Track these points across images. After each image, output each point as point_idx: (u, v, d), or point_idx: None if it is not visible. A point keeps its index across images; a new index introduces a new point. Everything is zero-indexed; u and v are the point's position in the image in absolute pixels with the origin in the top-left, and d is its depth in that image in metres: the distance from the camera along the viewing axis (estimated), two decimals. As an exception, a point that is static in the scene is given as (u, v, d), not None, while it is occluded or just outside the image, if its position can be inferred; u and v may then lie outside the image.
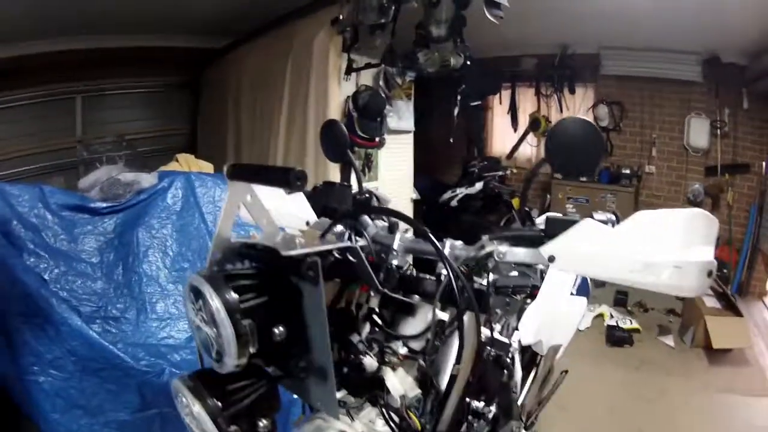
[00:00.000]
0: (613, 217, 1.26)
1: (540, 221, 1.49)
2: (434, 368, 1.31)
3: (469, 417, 1.54)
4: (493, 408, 1.49)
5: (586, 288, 2.69)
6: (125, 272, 2.99)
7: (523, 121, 8.14)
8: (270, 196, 1.50)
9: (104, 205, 3.09)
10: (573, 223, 1.14)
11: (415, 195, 5.87)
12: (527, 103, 8.20)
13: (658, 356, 4.92)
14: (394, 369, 1.29)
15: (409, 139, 5.66)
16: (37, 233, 2.83)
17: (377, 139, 4.83)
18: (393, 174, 5.36)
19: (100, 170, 3.52)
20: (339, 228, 1.32)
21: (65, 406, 2.53)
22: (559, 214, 1.26)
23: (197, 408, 1.02)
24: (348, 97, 4.68)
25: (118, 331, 2.79)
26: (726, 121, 6.91)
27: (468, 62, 4.22)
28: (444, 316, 1.31)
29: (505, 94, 8.07)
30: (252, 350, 1.00)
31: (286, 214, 1.46)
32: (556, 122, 1.29)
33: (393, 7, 3.90)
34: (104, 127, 6.56)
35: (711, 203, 6.89)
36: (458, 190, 6.17)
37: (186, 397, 1.05)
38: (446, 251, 1.27)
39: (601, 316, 5.46)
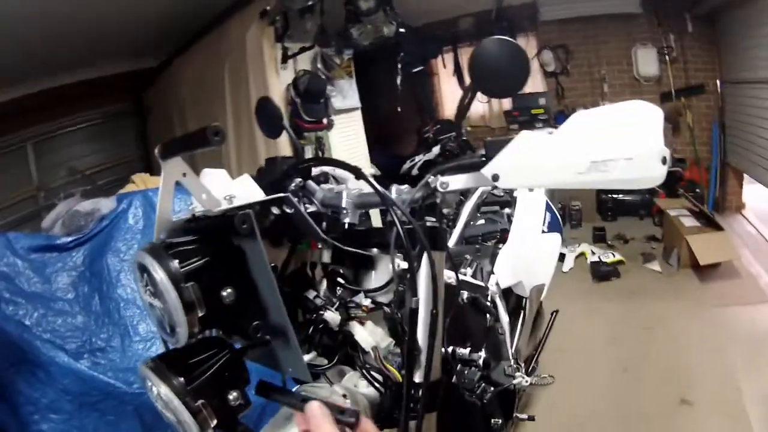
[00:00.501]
0: (552, 130, 1.22)
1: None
2: (403, 315, 1.25)
3: (458, 366, 1.51)
4: (482, 353, 1.46)
5: (557, 225, 2.69)
6: (102, 301, 2.95)
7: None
8: (217, 183, 1.46)
9: (69, 239, 3.04)
10: (510, 140, 1.10)
11: (374, 171, 5.84)
12: (471, 61, 8.18)
13: (648, 283, 4.95)
14: (362, 323, 1.26)
15: (358, 116, 5.62)
16: (10, 281, 2.78)
17: (324, 121, 4.83)
18: (347, 153, 5.30)
19: (59, 206, 3.45)
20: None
21: None
22: (499, 137, 1.22)
23: (163, 389, 0.98)
24: (288, 85, 4.65)
25: (107, 361, 2.75)
26: (673, 46, 7.01)
27: (401, 29, 4.22)
28: (404, 264, 1.24)
29: (449, 57, 8.06)
30: (200, 313, 0.95)
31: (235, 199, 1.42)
32: (477, 45, 1.25)
33: None
34: (60, 168, 6.42)
35: (671, 128, 6.96)
36: (417, 158, 6.14)
37: (151, 379, 1.00)
38: (392, 196, 1.23)
39: (582, 255, 5.50)
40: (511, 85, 1.27)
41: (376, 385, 1.23)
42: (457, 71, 8.11)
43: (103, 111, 7.04)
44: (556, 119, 7.07)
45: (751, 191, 6.90)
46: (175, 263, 0.94)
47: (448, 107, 8.55)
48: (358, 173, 1.24)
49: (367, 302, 1.27)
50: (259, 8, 4.41)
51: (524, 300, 2.30)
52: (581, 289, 4.89)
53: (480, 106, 8.11)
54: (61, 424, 2.49)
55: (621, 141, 1.00)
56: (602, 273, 5.08)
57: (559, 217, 2.77)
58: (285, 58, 4.58)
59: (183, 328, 0.94)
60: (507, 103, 7.84)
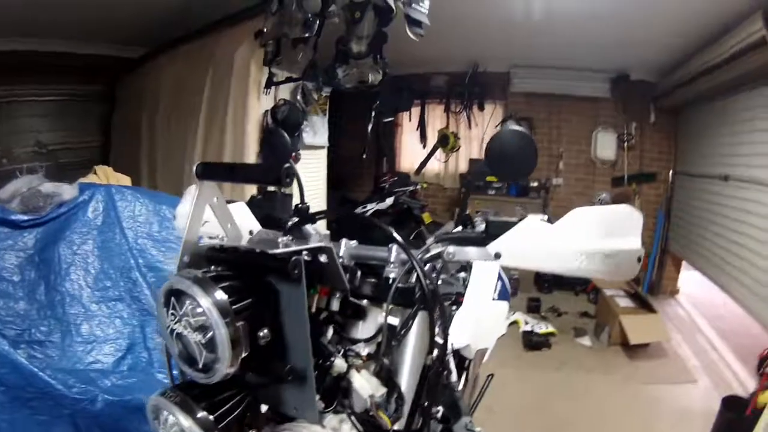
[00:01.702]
0: (546, 217, 1.36)
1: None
2: (394, 367, 1.32)
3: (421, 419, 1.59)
4: (440, 408, 1.54)
5: (506, 294, 2.79)
6: (48, 292, 2.84)
7: (432, 138, 8.31)
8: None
9: (25, 218, 2.93)
10: (512, 223, 1.22)
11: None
12: (436, 119, 8.39)
13: (577, 356, 5.11)
14: (358, 371, 1.29)
15: (323, 154, 5.70)
16: None
17: (294, 154, 4.82)
18: (307, 189, 5.26)
19: (19, 180, 3.31)
20: (285, 238, 1.27)
21: None
22: (498, 218, 1.32)
23: (188, 423, 1.00)
24: (267, 111, 4.64)
25: (44, 356, 2.62)
26: (633, 134, 7.38)
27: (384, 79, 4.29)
28: (394, 320, 1.32)
29: (415, 111, 8.21)
30: (244, 354, 0.99)
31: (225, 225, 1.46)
32: (495, 133, 1.36)
33: (318, 22, 3.89)
34: (19, 136, 6.28)
35: None
36: (369, 206, 6.22)
37: (174, 413, 1.01)
38: (392, 256, 1.32)
39: (515, 323, 5.59)
40: (520, 171, 1.40)
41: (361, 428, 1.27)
42: (421, 126, 8.30)
43: (73, 89, 6.90)
44: (509, 189, 7.32)
45: (688, 277, 7.30)
46: (226, 298, 0.96)
47: (405, 159, 8.71)
48: (394, 239, 1.30)
49: (365, 352, 1.32)
50: (255, 27, 4.37)
51: (467, 361, 2.39)
52: (512, 355, 4.99)
53: (436, 164, 8.36)
54: (-9, 413, 2.32)
55: (608, 239, 1.16)
56: (534, 343, 5.20)
57: (508, 286, 2.89)
58: (269, 84, 4.56)
59: (224, 365, 0.96)
60: (463, 166, 8.16)
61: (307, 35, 3.94)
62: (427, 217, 6.30)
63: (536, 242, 1.20)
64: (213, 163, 1.14)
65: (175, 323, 1.01)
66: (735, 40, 4.62)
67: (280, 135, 1.42)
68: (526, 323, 5.59)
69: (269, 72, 4.53)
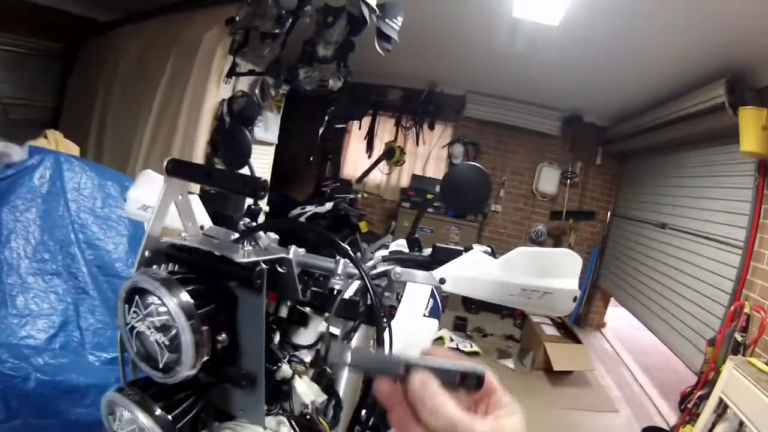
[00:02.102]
0: (490, 250, 1.45)
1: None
2: (334, 376, 1.40)
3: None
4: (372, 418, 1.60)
5: (437, 312, 2.87)
6: None
7: (378, 148, 8.39)
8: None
9: None
10: (458, 252, 1.29)
11: (265, 208, 5.87)
12: (385, 131, 8.48)
13: (499, 377, 5.08)
14: (300, 376, 1.34)
15: (271, 151, 5.66)
16: None
17: None
18: None
19: None
20: (247, 245, 1.26)
21: None
22: (445, 245, 1.38)
23: (149, 423, 1.00)
24: (223, 100, 4.59)
25: None
26: (577, 173, 7.67)
27: (344, 86, 4.31)
28: (335, 329, 1.38)
29: (365, 120, 8.27)
30: (206, 357, 1.01)
31: (174, 215, 1.47)
32: (452, 167, 1.43)
33: (290, 20, 3.89)
34: None
35: (553, 244, 7.61)
36: (308, 208, 6.22)
37: (133, 411, 1.01)
38: (339, 268, 1.34)
39: (441, 339, 5.68)
40: (473, 204, 1.46)
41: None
42: (370, 136, 8.37)
43: (32, 43, 6.66)
44: (447, 210, 7.36)
45: (615, 314, 7.69)
46: (191, 302, 0.98)
47: (349, 166, 8.76)
48: (350, 257, 1.32)
49: (308, 358, 1.38)
50: (227, 13, 4.32)
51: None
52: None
53: (378, 175, 8.44)
54: None
55: (548, 278, 1.24)
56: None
57: (440, 305, 2.97)
58: (231, 73, 4.53)
59: (186, 367, 0.98)
60: (405, 181, 8.27)
61: (277, 31, 3.93)
62: (363, 226, 6.35)
63: (480, 273, 1.25)
64: (185, 162, 1.14)
65: (137, 321, 1.01)
66: (691, 102, 4.90)
67: (242, 132, 1.41)
68: (452, 340, 5.72)
69: (233, 61, 4.50)
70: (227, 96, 4.62)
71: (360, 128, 8.42)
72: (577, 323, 7.50)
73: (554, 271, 1.27)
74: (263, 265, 1.08)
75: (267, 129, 5.34)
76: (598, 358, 6.13)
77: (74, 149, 3.77)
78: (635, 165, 7.37)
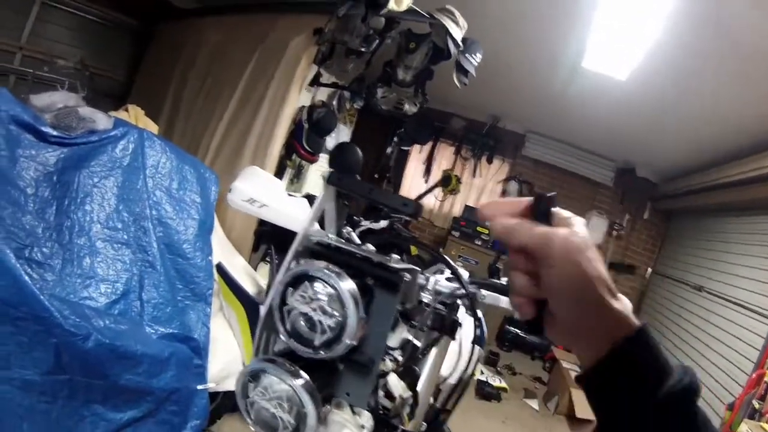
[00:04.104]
0: None
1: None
2: (416, 376, 1.53)
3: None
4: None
5: (483, 341, 3.00)
6: (58, 214, 2.75)
7: (436, 174, 8.46)
8: (276, 193, 1.67)
9: (54, 133, 2.82)
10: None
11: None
12: (444, 158, 8.53)
13: (523, 415, 5.29)
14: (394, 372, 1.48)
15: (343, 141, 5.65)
16: None
17: (316, 156, 4.90)
18: (314, 191, 5.23)
19: (57, 93, 3.22)
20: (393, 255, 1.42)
21: None
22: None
23: (300, 390, 1.15)
24: (303, 107, 4.67)
25: (40, 278, 2.51)
26: (624, 225, 7.65)
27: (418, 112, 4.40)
28: (410, 336, 1.51)
29: (427, 145, 8.33)
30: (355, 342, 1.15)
31: (288, 215, 1.61)
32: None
33: (377, 40, 3.96)
34: (49, 44, 6.23)
35: None
36: (363, 222, 6.32)
37: (285, 379, 1.16)
38: (430, 285, 1.49)
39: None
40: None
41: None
42: (428, 161, 8.46)
43: (114, 17, 6.95)
44: (494, 243, 7.46)
45: None
46: (357, 293, 1.15)
47: (405, 187, 8.84)
48: (457, 276, 1.48)
49: (400, 358, 1.49)
50: (314, 23, 4.38)
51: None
52: (463, 399, 5.13)
53: (432, 200, 8.53)
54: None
55: None
56: (485, 393, 5.38)
57: (485, 335, 3.09)
58: (314, 82, 4.60)
59: (343, 346, 1.14)
60: (457, 210, 8.34)
61: (363, 49, 3.98)
62: (413, 250, 6.45)
63: None
64: (348, 175, 1.29)
65: (302, 303, 1.16)
66: (741, 169, 4.94)
67: (354, 149, 1.51)
68: (482, 373, 5.76)
69: (318, 72, 4.55)
70: (307, 103, 4.72)
71: (420, 151, 8.49)
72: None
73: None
74: (407, 275, 1.24)
75: (338, 140, 5.41)
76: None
77: (153, 127, 3.91)
78: (680, 224, 7.38)
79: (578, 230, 0.69)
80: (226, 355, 3.14)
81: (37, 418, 2.32)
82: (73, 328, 2.31)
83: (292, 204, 1.63)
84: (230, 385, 3.11)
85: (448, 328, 1.47)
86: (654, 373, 0.65)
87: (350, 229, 1.63)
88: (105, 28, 6.93)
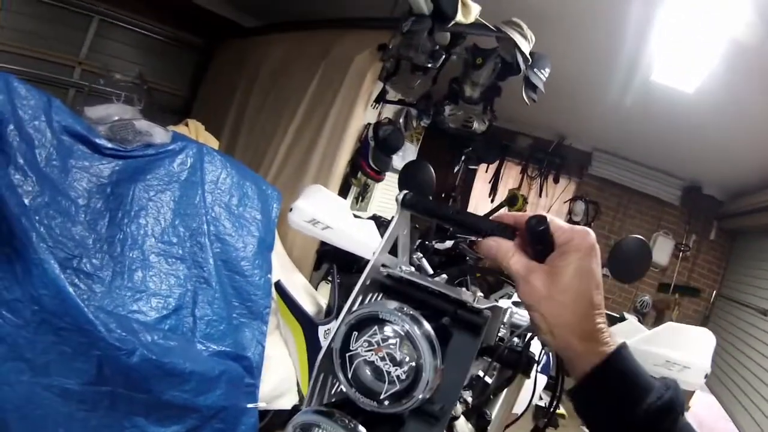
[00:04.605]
0: (637, 319, 1.55)
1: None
2: (487, 421, 1.44)
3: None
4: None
5: (547, 370, 2.93)
6: (110, 226, 2.74)
7: (501, 193, 8.33)
8: (341, 214, 1.61)
9: (109, 145, 2.82)
10: (617, 320, 1.37)
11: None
12: (510, 178, 8.43)
13: (579, 445, 5.11)
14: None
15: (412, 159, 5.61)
16: (31, 148, 2.50)
17: (382, 175, 4.85)
18: (381, 210, 5.28)
19: (113, 106, 3.19)
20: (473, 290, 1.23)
21: (7, 353, 2.19)
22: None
23: None
24: (369, 124, 4.63)
25: (87, 289, 2.51)
26: (690, 246, 7.44)
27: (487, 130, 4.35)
28: (481, 373, 1.43)
29: (492, 166, 8.23)
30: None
31: (353, 239, 1.53)
32: (621, 239, 1.50)
33: (444, 56, 3.91)
34: (107, 59, 6.29)
35: (656, 316, 7.35)
36: (429, 243, 6.26)
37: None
38: (506, 317, 1.40)
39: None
40: (635, 274, 1.55)
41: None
42: (494, 180, 8.34)
43: (175, 34, 7.04)
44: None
45: (701, 397, 7.22)
46: (435, 339, 0.96)
47: (470, 207, 8.65)
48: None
49: (469, 399, 1.40)
50: (378, 39, 4.30)
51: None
52: (521, 424, 5.05)
53: (498, 219, 8.34)
54: (10, 326, 2.20)
55: (687, 353, 1.30)
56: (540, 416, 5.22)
57: (551, 362, 3.03)
58: (379, 99, 4.57)
59: (416, 400, 0.95)
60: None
61: (429, 65, 3.94)
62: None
63: (633, 342, 1.34)
64: (424, 197, 1.16)
65: (366, 350, 1.00)
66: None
67: (428, 170, 1.45)
68: (541, 398, 5.63)
69: (383, 89, 4.54)
70: (372, 120, 4.68)
71: (486, 171, 8.41)
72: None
73: (693, 348, 1.35)
74: (487, 312, 1.09)
75: (405, 159, 5.33)
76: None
77: (213, 142, 3.88)
78: (746, 245, 7.11)
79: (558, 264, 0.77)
80: (280, 374, 3.12)
81: (75, 425, 2.32)
82: (117, 342, 2.31)
83: (358, 226, 1.54)
84: (281, 404, 3.10)
85: (523, 366, 1.38)
86: (631, 392, 0.72)
87: (421, 255, 1.56)
88: (166, 45, 7.03)
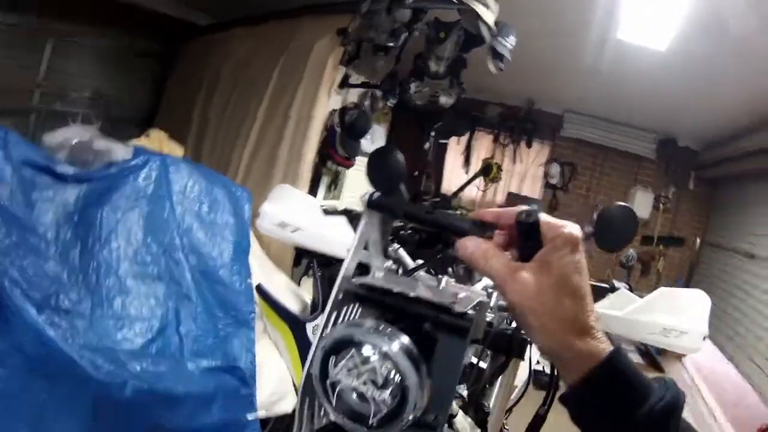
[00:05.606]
0: (628, 286, 1.50)
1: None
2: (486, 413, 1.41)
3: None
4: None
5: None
6: (82, 256, 2.62)
7: (475, 164, 8.36)
8: (310, 214, 1.55)
9: (71, 171, 2.71)
10: (605, 290, 1.32)
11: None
12: (483, 148, 8.45)
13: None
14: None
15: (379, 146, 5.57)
16: None
17: (352, 160, 4.78)
18: (354, 196, 5.18)
19: (71, 129, 3.04)
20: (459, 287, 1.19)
21: (3, 411, 2.13)
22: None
23: None
24: (334, 111, 4.56)
25: (69, 326, 2.39)
26: (670, 197, 7.54)
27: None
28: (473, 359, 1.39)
29: (464, 135, 8.17)
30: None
31: (325, 238, 1.48)
32: (604, 207, 1.45)
33: (405, 34, 3.86)
34: (65, 78, 6.15)
35: (641, 269, 7.37)
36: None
37: None
38: (492, 302, 1.33)
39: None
40: (621, 241, 1.50)
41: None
42: (467, 151, 8.34)
43: (132, 43, 6.85)
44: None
45: None
46: (418, 356, 0.91)
47: (445, 180, 8.72)
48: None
49: (465, 392, 1.37)
50: (337, 23, 4.23)
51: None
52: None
53: (474, 191, 8.43)
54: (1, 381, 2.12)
55: (684, 318, 1.26)
56: (543, 383, 5.22)
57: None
58: (343, 84, 4.46)
59: (405, 422, 0.90)
60: (500, 197, 8.31)
61: (391, 44, 3.90)
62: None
63: (626, 313, 1.32)
64: (393, 196, 1.13)
65: (348, 377, 0.92)
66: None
67: (393, 153, 1.38)
68: (538, 362, 5.64)
69: (345, 73, 4.44)
70: (337, 106, 4.60)
71: (458, 143, 8.40)
72: (660, 353, 7.29)
73: (689, 312, 1.31)
74: (471, 312, 1.01)
75: (374, 141, 5.36)
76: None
77: (178, 151, 3.78)
78: (727, 192, 7.24)
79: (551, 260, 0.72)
80: (275, 378, 3.04)
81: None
82: (106, 377, 2.25)
83: (329, 225, 1.48)
84: (281, 408, 3.03)
85: (516, 349, 1.32)
86: (632, 394, 0.69)
87: (398, 245, 1.49)
88: (123, 55, 6.85)
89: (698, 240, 7.59)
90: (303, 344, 3.15)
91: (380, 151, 1.60)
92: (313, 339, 3.21)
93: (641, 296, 1.42)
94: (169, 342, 2.74)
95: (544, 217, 0.75)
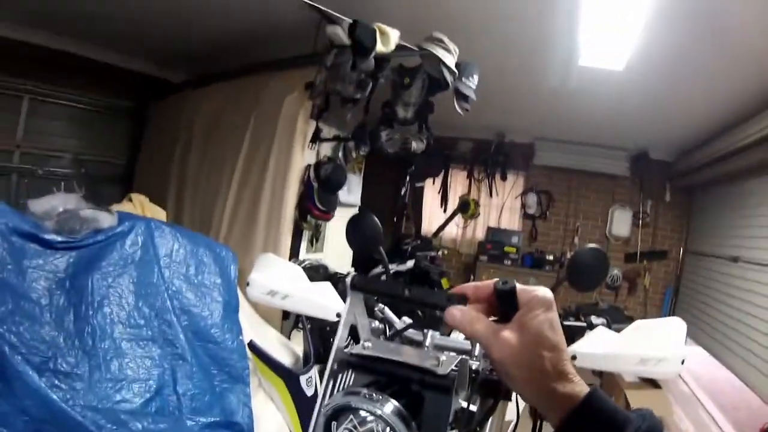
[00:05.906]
0: (605, 321, 1.56)
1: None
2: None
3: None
4: None
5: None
6: (77, 321, 2.69)
7: (453, 202, 8.43)
8: (297, 281, 1.60)
9: (59, 238, 2.77)
10: (583, 329, 1.39)
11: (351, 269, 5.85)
12: (458, 185, 8.51)
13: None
14: None
15: (354, 213, 5.55)
16: None
17: (331, 213, 4.80)
18: (336, 248, 5.27)
19: (56, 197, 3.14)
20: (437, 352, 1.32)
21: None
22: (567, 322, 1.51)
23: None
24: (309, 165, 4.57)
25: (69, 388, 2.47)
26: (648, 212, 7.63)
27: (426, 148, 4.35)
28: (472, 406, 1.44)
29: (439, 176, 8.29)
30: None
31: (314, 303, 1.53)
32: (576, 250, 1.53)
33: (370, 84, 3.88)
34: (43, 138, 6.15)
35: (628, 287, 7.46)
36: (391, 266, 6.25)
37: None
38: (476, 350, 1.39)
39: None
40: (593, 282, 1.57)
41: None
42: (443, 190, 8.39)
43: (107, 102, 6.85)
44: (524, 260, 7.59)
45: (691, 353, 7.32)
46: (410, 419, 1.02)
47: (425, 221, 8.81)
48: None
49: None
50: (306, 77, 4.23)
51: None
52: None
53: (454, 229, 8.53)
54: (5, 443, 2.16)
55: (660, 346, 1.36)
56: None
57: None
58: (315, 138, 4.50)
59: None
60: (480, 233, 8.32)
61: (358, 96, 3.92)
62: (445, 282, 6.37)
63: (606, 349, 1.37)
64: (373, 279, 1.26)
65: None
66: (752, 129, 4.89)
67: (370, 216, 1.44)
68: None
69: (317, 127, 4.47)
70: (312, 161, 4.63)
71: (434, 183, 8.45)
72: (656, 367, 7.33)
73: (664, 339, 1.38)
74: (453, 374, 1.12)
75: (350, 192, 5.39)
76: (674, 400, 6.01)
77: (161, 214, 3.84)
78: (704, 198, 7.31)
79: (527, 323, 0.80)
80: (273, 430, 3.13)
81: None
82: None
83: (316, 291, 1.54)
84: (279, 460, 3.06)
85: (503, 393, 1.36)
86: (611, 427, 0.73)
87: (383, 305, 1.56)
88: (98, 114, 6.87)
89: (681, 250, 7.68)
90: (298, 396, 3.21)
91: (355, 218, 1.70)
92: (308, 390, 3.26)
93: (618, 330, 1.48)
94: (168, 401, 2.79)
95: (519, 285, 0.84)
